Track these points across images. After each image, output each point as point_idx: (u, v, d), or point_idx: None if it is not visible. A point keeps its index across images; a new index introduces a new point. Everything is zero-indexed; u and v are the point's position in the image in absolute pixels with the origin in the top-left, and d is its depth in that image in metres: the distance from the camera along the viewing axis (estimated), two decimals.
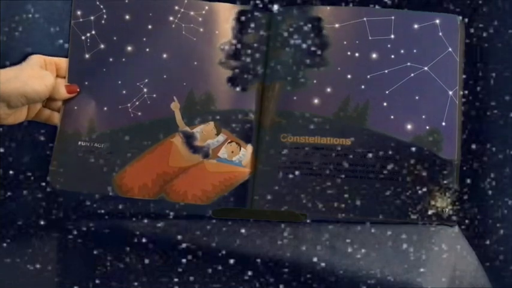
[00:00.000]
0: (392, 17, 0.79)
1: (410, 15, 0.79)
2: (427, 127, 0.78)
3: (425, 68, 0.78)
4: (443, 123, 0.78)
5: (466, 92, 1.04)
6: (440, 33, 0.79)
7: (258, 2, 0.89)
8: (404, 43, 0.79)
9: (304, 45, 0.79)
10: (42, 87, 0.77)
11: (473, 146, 1.04)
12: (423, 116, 0.78)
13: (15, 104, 0.76)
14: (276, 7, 0.80)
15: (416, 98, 0.78)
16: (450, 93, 0.79)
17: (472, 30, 1.04)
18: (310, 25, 0.79)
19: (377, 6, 0.83)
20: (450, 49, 0.79)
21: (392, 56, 0.78)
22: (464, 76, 0.82)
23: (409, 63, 0.78)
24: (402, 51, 0.79)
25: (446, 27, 0.79)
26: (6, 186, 1.02)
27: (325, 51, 0.79)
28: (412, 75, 0.78)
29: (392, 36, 0.79)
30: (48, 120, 0.83)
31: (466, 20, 0.96)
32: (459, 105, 0.79)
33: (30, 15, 1.01)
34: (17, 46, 1.00)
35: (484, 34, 1.05)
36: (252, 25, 0.80)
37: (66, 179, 0.81)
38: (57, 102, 0.82)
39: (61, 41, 1.00)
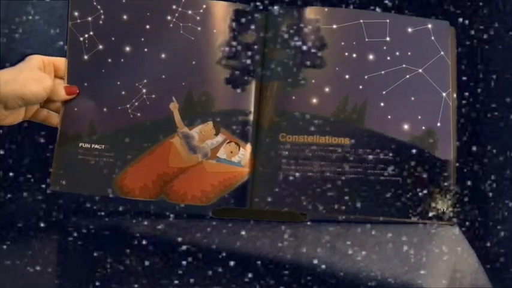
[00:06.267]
0: (387, 20, 0.79)
1: (404, 19, 0.80)
2: (423, 127, 0.78)
3: (420, 70, 0.79)
4: (438, 124, 0.78)
5: (467, 94, 1.04)
6: (433, 38, 0.80)
7: (258, 3, 0.90)
8: (400, 45, 0.79)
9: (302, 46, 0.79)
10: (40, 89, 0.77)
11: (474, 148, 1.04)
12: (419, 117, 0.78)
13: (13, 106, 0.76)
14: (276, 8, 0.80)
15: (412, 99, 0.78)
16: (444, 95, 0.79)
17: (472, 32, 1.04)
18: (309, 26, 0.79)
19: (377, 7, 0.84)
20: (442, 53, 0.80)
21: (388, 58, 0.79)
22: (464, 78, 0.82)
23: (404, 65, 0.79)
24: (397, 53, 0.79)
25: (438, 32, 0.80)
26: (6, 188, 1.02)
27: (323, 52, 0.79)
28: (408, 76, 0.79)
29: (387, 38, 0.79)
30: (45, 120, 0.83)
31: (467, 21, 0.96)
32: (453, 107, 0.79)
33: (30, 17, 1.02)
34: (17, 48, 1.00)
35: (485, 36, 1.05)
36: (251, 26, 0.80)
37: (67, 180, 0.81)
38: (55, 103, 0.82)
39: (61, 43, 1.00)
